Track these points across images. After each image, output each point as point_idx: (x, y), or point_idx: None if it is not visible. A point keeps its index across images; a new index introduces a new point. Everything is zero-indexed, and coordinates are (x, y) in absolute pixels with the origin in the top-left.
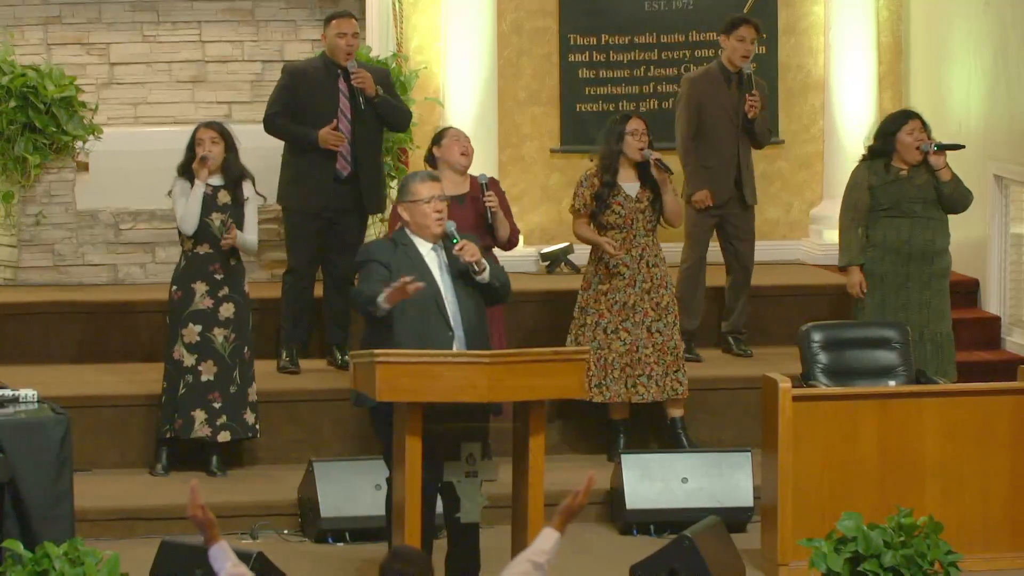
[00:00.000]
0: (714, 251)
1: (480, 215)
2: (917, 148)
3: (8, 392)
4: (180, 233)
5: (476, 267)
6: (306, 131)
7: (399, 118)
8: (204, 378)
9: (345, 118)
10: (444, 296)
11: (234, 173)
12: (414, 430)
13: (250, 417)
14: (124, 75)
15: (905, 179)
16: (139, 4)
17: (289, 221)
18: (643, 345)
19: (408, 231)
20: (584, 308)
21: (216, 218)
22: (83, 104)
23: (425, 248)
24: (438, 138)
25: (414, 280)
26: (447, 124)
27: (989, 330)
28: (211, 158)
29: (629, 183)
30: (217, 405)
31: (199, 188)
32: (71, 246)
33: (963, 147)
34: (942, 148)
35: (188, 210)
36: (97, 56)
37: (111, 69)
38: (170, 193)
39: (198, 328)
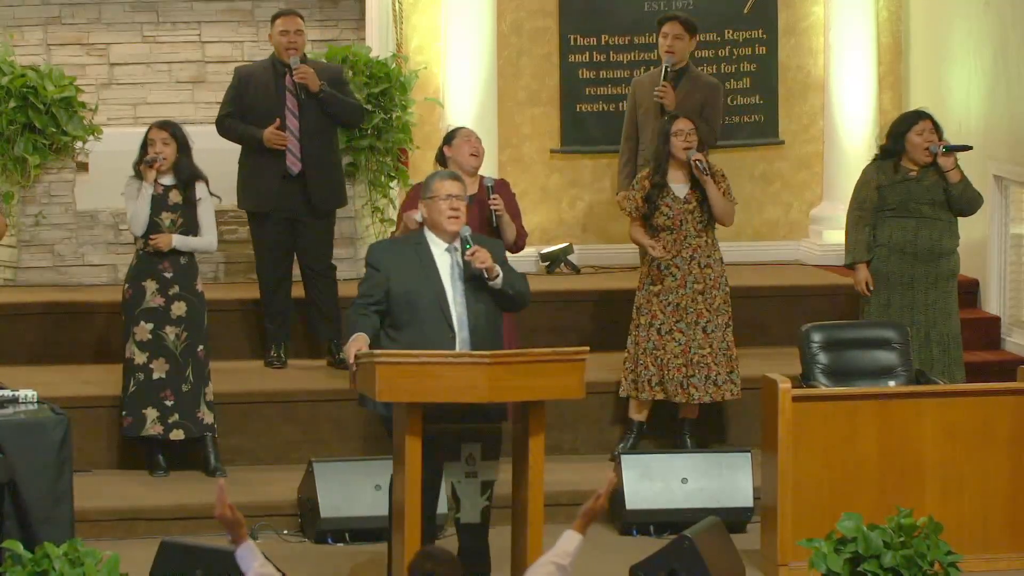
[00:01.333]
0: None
1: (486, 217)
2: (926, 149)
3: (8, 392)
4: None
5: (487, 274)
6: (252, 131)
7: (348, 114)
8: (156, 376)
9: (292, 115)
10: (450, 298)
11: (186, 173)
12: (414, 430)
13: (206, 416)
14: (124, 75)
15: (913, 180)
16: (139, 4)
17: (250, 224)
18: (699, 346)
19: (426, 229)
20: (639, 308)
21: (166, 217)
22: (83, 104)
23: (439, 249)
24: (449, 137)
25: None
26: (447, 124)
27: (989, 330)
28: (159, 160)
29: (679, 184)
30: (169, 403)
31: (147, 190)
32: (71, 246)
33: (970, 148)
34: (950, 149)
35: (136, 211)
36: (97, 56)
37: (111, 69)
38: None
39: (149, 326)
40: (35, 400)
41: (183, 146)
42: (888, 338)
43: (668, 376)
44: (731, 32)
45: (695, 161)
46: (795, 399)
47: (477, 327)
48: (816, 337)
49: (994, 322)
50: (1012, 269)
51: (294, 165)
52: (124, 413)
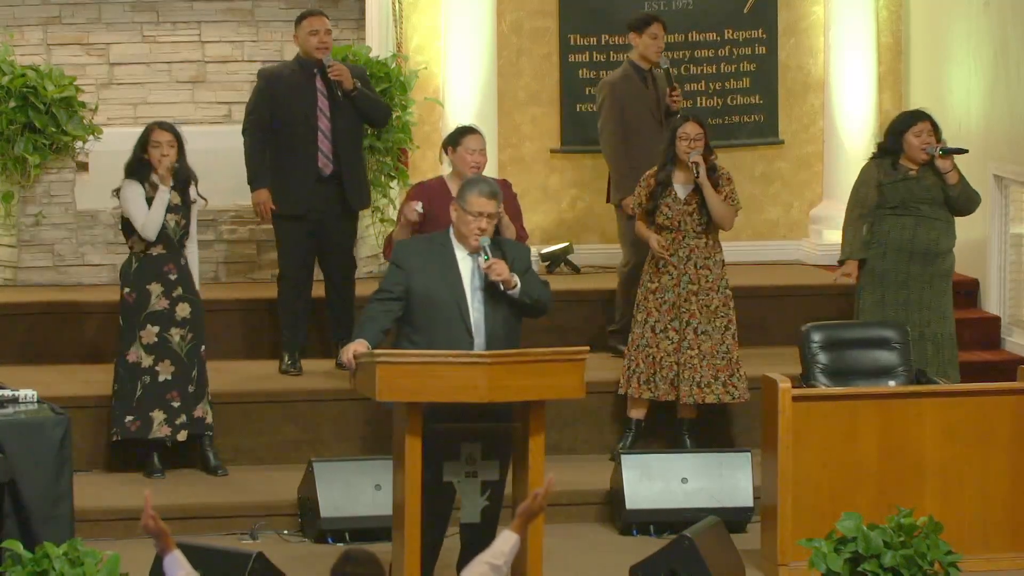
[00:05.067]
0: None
1: None
2: (923, 150)
3: (8, 392)
4: (131, 235)
5: (504, 286)
6: (257, 173)
7: (378, 112)
8: (162, 378)
9: (324, 116)
10: (469, 303)
11: (183, 175)
12: (414, 430)
13: (205, 414)
14: (124, 75)
15: (914, 179)
16: (139, 4)
17: (277, 226)
18: (689, 346)
19: (452, 232)
20: (638, 306)
21: (170, 219)
22: (83, 104)
23: (462, 253)
24: (455, 139)
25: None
26: (447, 124)
27: (989, 330)
28: (171, 164)
29: (682, 184)
30: (176, 404)
31: (164, 195)
32: (71, 246)
33: (966, 151)
34: (947, 152)
35: (153, 217)
36: (97, 56)
37: (111, 69)
38: (117, 192)
39: (156, 329)
40: (35, 400)
41: (181, 147)
42: (888, 338)
43: (659, 375)
44: (731, 32)
45: (693, 164)
46: (795, 399)
47: (495, 333)
48: (816, 337)
49: (994, 322)
50: (1012, 269)
51: (326, 167)
52: (131, 418)
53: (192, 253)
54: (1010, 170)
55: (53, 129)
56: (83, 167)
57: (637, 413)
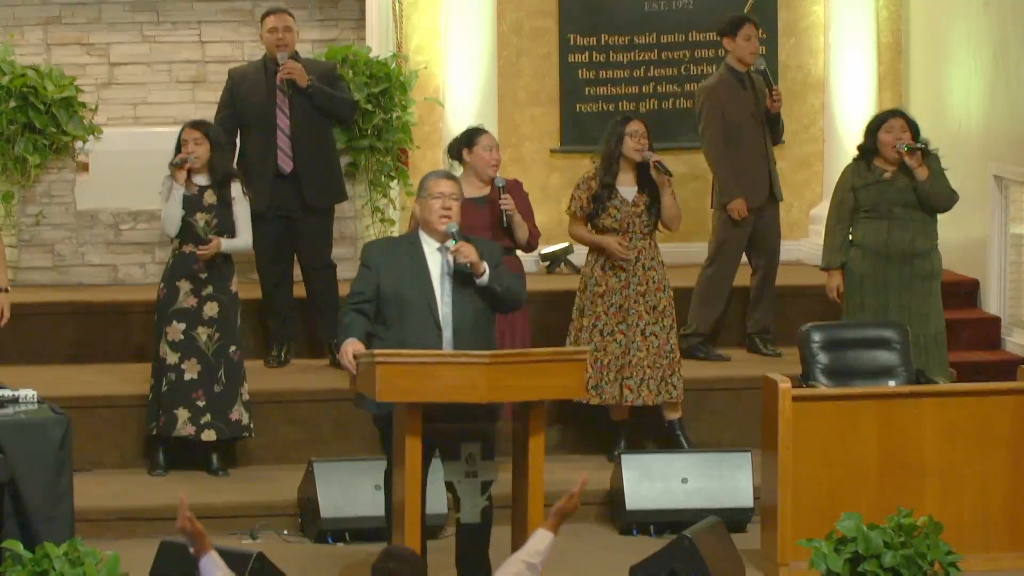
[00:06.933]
0: None
1: (498, 218)
2: (893, 147)
3: (8, 392)
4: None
5: (472, 270)
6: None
7: (340, 109)
8: (187, 376)
9: (283, 113)
10: (438, 298)
11: (220, 173)
12: (414, 430)
13: (241, 416)
14: (124, 75)
15: (886, 181)
16: (139, 4)
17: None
18: (637, 348)
19: (420, 230)
20: (582, 310)
21: (201, 218)
22: (83, 104)
23: (431, 248)
24: (469, 140)
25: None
26: (447, 124)
27: (989, 330)
28: (191, 160)
29: (627, 187)
30: (201, 404)
31: (178, 191)
32: (71, 246)
33: (921, 149)
34: (911, 150)
35: (169, 213)
36: (97, 56)
37: (111, 69)
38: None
39: (182, 326)
40: (35, 400)
41: (216, 145)
42: (888, 338)
43: (605, 378)
44: None
45: (655, 162)
46: (795, 399)
47: (462, 327)
48: (816, 337)
49: (994, 322)
50: (1012, 269)
51: (285, 164)
52: (159, 412)
53: (237, 241)
54: (1010, 170)
55: (53, 129)
56: (83, 167)
57: (619, 416)
